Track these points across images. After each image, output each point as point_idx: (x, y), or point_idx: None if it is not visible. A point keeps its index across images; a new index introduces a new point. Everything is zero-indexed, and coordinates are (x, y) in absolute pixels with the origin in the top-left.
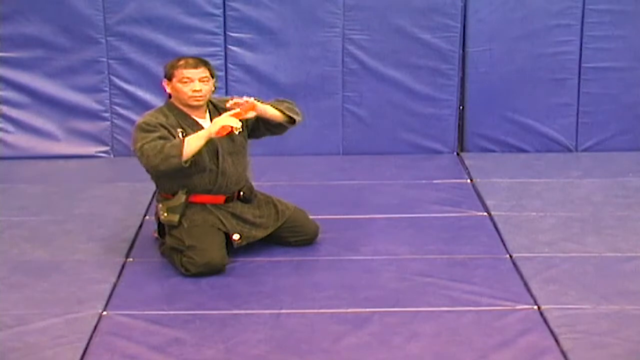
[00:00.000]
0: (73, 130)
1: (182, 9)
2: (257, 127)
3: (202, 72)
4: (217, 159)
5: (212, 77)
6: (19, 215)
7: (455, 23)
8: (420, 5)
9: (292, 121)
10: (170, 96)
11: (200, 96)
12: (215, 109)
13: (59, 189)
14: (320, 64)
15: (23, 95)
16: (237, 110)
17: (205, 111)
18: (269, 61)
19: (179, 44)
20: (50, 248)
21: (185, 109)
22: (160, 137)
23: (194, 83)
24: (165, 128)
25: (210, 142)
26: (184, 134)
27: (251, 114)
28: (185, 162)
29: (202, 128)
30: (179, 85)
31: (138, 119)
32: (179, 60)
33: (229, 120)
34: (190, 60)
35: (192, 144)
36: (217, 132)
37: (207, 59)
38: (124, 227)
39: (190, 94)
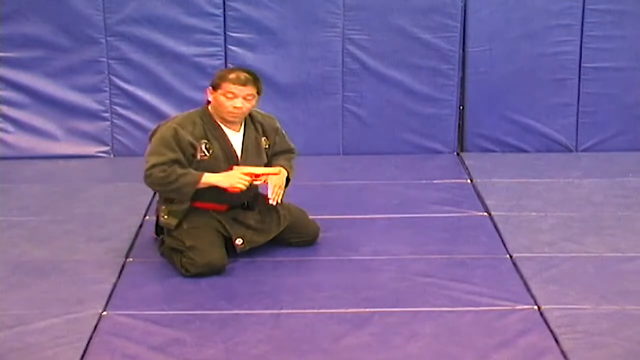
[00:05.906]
0: (73, 130)
1: (182, 9)
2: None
3: (248, 89)
4: None
5: (259, 94)
6: (19, 215)
7: (455, 23)
8: (420, 5)
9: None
10: (208, 102)
11: (239, 113)
12: (252, 122)
13: (59, 189)
14: (320, 64)
15: (23, 95)
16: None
17: (241, 125)
18: (269, 61)
19: (179, 44)
20: (50, 248)
21: (219, 120)
22: (173, 161)
23: (237, 100)
24: (182, 149)
25: (227, 161)
26: (207, 146)
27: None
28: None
29: (229, 141)
30: (222, 98)
31: (166, 121)
32: (231, 72)
33: (242, 183)
34: (242, 76)
35: (194, 185)
36: (228, 189)
37: (209, 59)
38: (124, 227)
39: (230, 109)
